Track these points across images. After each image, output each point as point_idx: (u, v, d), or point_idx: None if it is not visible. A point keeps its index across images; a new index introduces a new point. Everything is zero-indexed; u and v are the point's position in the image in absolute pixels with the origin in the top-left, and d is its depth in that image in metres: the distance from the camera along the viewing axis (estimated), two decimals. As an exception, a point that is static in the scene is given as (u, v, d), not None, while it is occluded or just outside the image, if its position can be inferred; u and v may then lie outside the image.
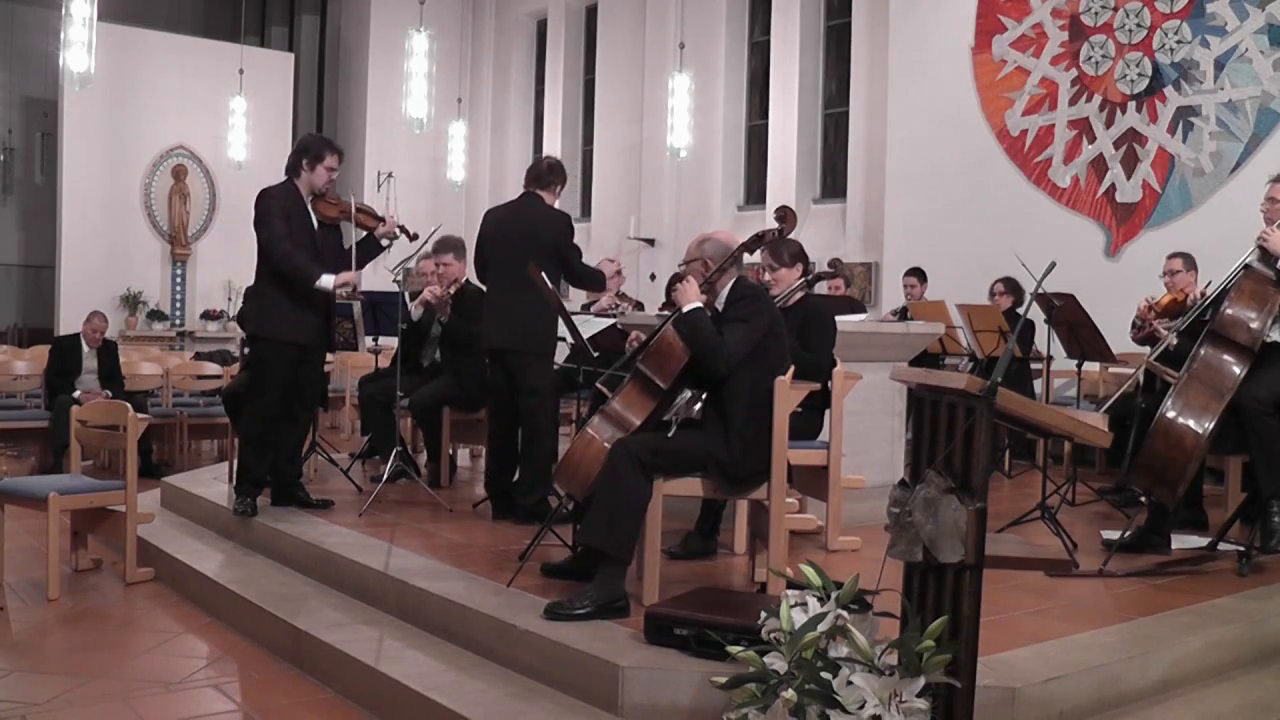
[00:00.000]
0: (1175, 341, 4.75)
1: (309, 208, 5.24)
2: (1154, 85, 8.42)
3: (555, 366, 5.43)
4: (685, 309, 3.73)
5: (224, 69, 14.24)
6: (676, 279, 3.87)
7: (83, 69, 10.28)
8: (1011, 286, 7.80)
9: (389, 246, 5.59)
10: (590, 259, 5.88)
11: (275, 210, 5.11)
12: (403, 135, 13.82)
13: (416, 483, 5.89)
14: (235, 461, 5.69)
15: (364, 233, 5.44)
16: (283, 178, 5.26)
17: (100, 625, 4.43)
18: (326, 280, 5.12)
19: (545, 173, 5.28)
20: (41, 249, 15.05)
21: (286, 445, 5.39)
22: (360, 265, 5.46)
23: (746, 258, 4.10)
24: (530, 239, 5.07)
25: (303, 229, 5.17)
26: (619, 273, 7.96)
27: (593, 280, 5.68)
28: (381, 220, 5.45)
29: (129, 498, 5.01)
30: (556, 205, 5.35)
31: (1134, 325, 5.66)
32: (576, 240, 5.38)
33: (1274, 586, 4.03)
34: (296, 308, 5.14)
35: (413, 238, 5.66)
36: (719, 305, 3.86)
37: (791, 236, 4.59)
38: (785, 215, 4.29)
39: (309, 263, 5.11)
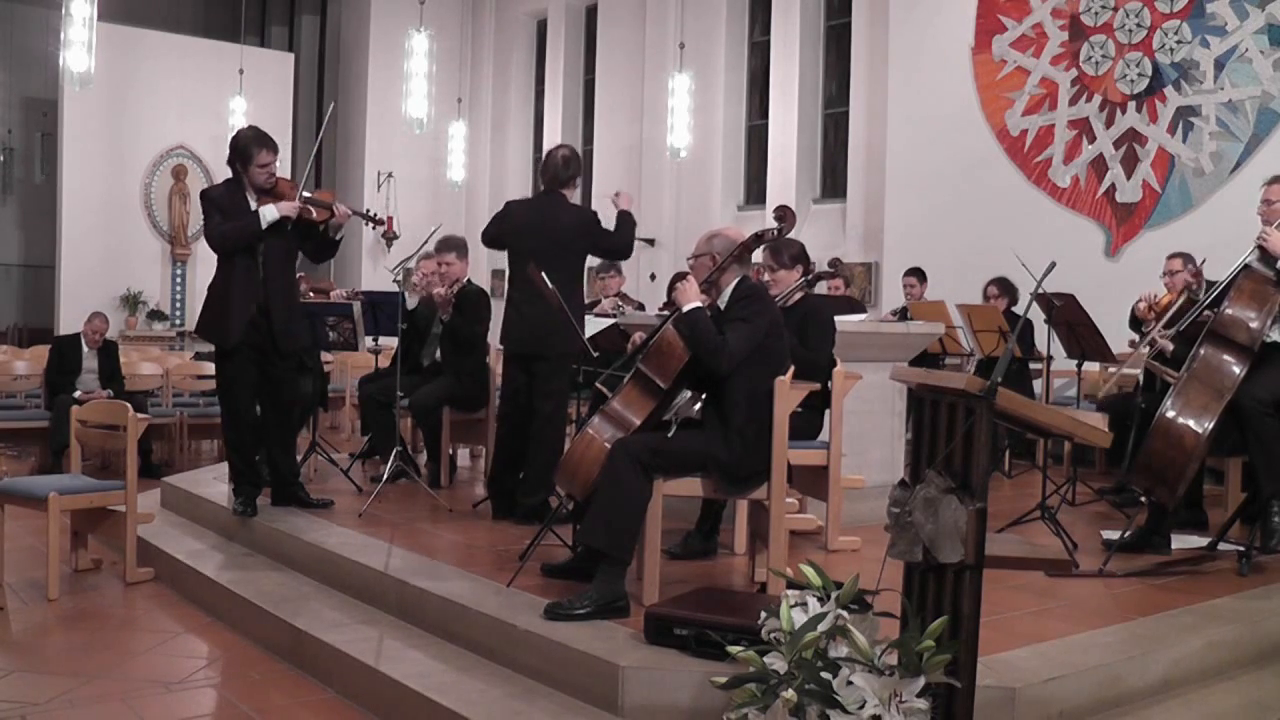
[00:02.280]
0: (1171, 348, 4.76)
1: (253, 205, 5.10)
2: (1154, 85, 8.42)
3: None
4: (685, 309, 3.73)
5: (224, 69, 14.23)
6: (679, 278, 3.87)
7: (83, 69, 10.28)
8: (1005, 287, 7.79)
9: (341, 239, 5.36)
10: (591, 259, 5.81)
11: (211, 210, 5.10)
12: (403, 135, 13.79)
13: (416, 483, 5.89)
14: (234, 462, 5.68)
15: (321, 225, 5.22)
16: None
17: (100, 625, 4.43)
18: (267, 211, 4.98)
19: (562, 169, 5.10)
20: (41, 249, 15.04)
21: (273, 449, 5.32)
22: (317, 260, 5.42)
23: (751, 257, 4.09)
24: (565, 246, 5.00)
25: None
26: (619, 273, 7.97)
27: (629, 235, 5.26)
28: (330, 210, 5.15)
29: (129, 498, 5.01)
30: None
31: (1133, 318, 5.65)
32: None
33: (1274, 586, 4.03)
34: (222, 310, 5.03)
35: (378, 224, 5.52)
36: (721, 303, 3.86)
37: (791, 236, 4.59)
38: (785, 215, 4.29)
39: (242, 222, 4.99)
